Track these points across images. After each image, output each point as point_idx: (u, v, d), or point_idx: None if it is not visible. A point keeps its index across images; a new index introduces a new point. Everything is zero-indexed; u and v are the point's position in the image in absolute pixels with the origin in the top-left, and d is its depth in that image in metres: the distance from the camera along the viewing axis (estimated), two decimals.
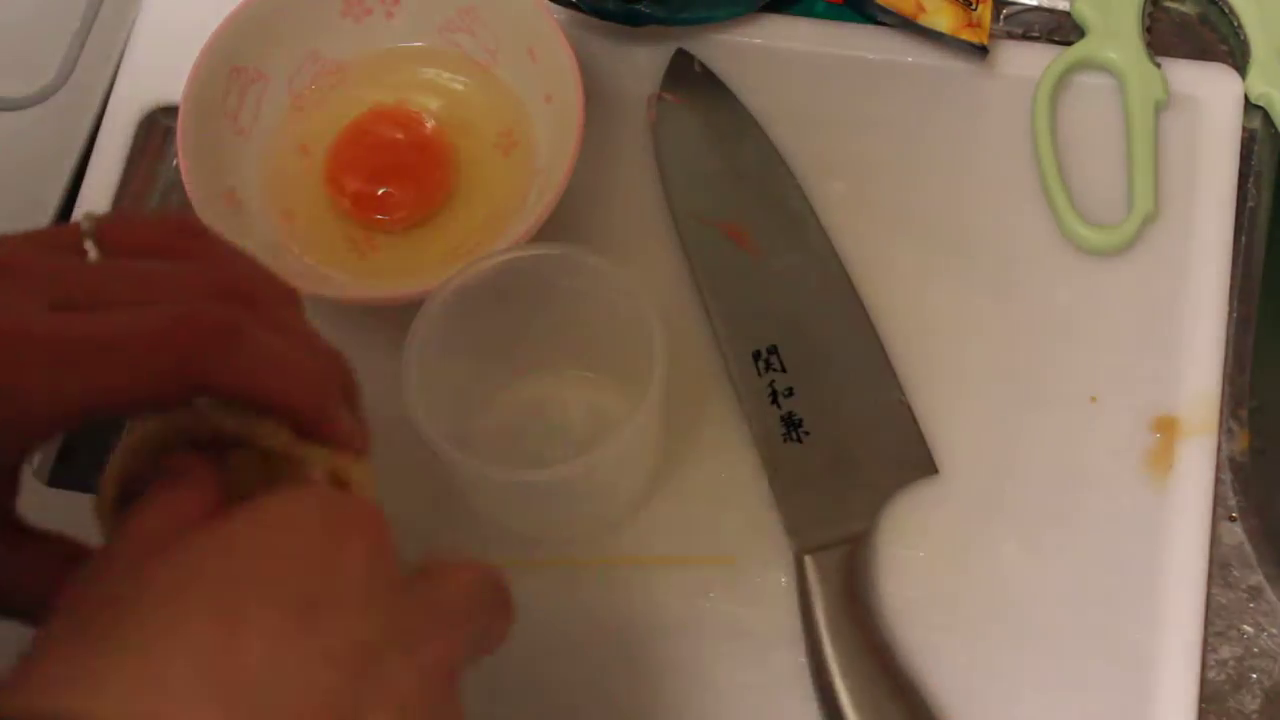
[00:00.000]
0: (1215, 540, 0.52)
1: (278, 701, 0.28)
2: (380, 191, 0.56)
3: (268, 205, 0.56)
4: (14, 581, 0.37)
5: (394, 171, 0.56)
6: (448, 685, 0.32)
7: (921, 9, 0.59)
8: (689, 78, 0.60)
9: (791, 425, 0.53)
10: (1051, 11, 0.61)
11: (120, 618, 0.29)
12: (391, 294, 0.52)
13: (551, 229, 0.52)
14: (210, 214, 0.52)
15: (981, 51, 0.59)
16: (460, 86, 0.58)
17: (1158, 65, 0.58)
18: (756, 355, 0.54)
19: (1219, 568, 0.52)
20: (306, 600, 0.29)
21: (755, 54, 0.60)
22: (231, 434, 0.35)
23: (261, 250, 0.49)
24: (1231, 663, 0.51)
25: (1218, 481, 0.53)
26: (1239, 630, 0.52)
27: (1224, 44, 0.61)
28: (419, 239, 0.56)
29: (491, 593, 0.34)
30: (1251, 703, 0.51)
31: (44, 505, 0.55)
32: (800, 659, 0.51)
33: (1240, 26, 0.60)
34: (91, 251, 0.35)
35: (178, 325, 0.33)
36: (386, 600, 0.31)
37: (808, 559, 0.51)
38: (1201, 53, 0.60)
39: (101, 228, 0.36)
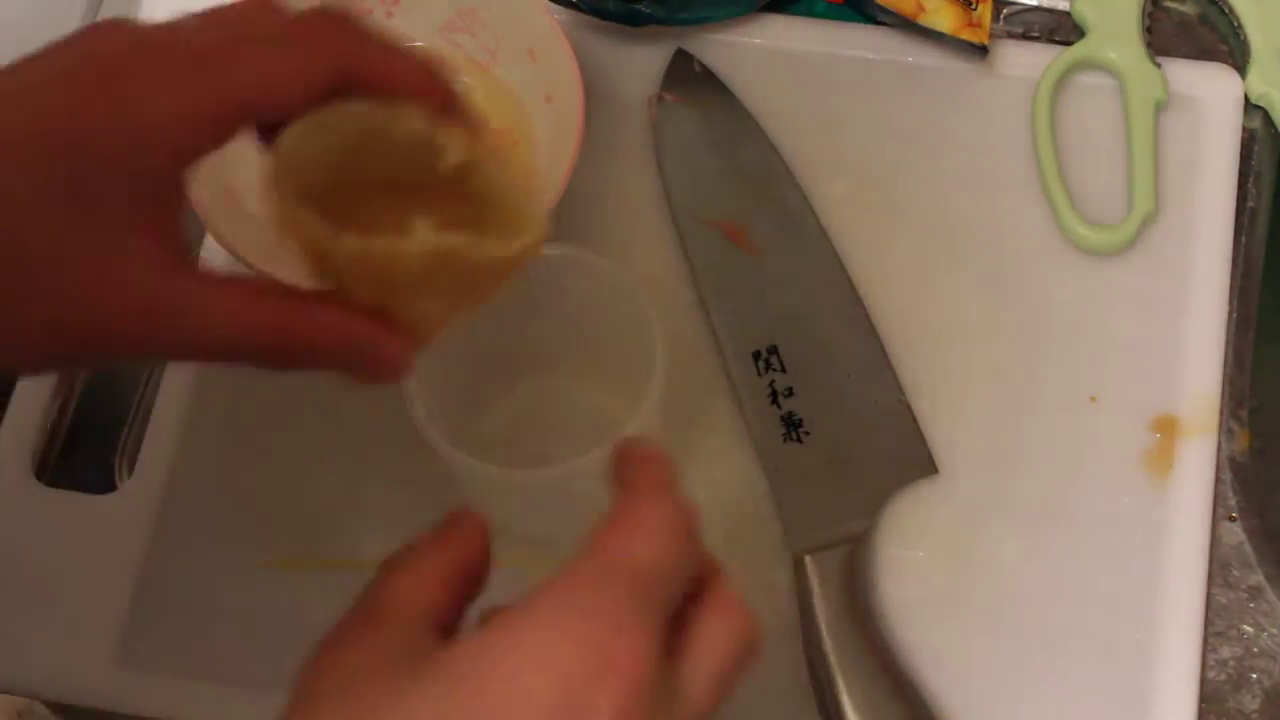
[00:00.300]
0: (1215, 540, 0.52)
1: None
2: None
3: None
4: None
5: None
6: None
7: (921, 9, 0.59)
8: (689, 78, 0.60)
9: (791, 425, 0.53)
10: (1051, 11, 0.61)
11: None
12: None
13: (552, 229, 0.52)
14: (210, 213, 0.52)
15: (981, 51, 0.59)
16: (460, 87, 0.58)
17: (1158, 65, 0.58)
18: (756, 355, 0.54)
19: (1219, 568, 0.52)
20: None
21: (755, 54, 0.60)
22: (379, 124, 0.37)
23: (261, 251, 0.50)
24: (1231, 663, 0.51)
25: (1218, 481, 0.53)
26: (1239, 630, 0.52)
27: (1224, 44, 0.61)
28: None
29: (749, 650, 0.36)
30: (1251, 703, 0.51)
31: (44, 505, 0.56)
32: (800, 659, 0.51)
33: (1240, 26, 0.60)
34: None
35: (324, 17, 0.37)
36: None
37: (808, 559, 0.51)
38: (1201, 53, 0.60)
39: None
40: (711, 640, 0.35)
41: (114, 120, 0.34)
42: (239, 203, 0.55)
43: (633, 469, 0.37)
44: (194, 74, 0.35)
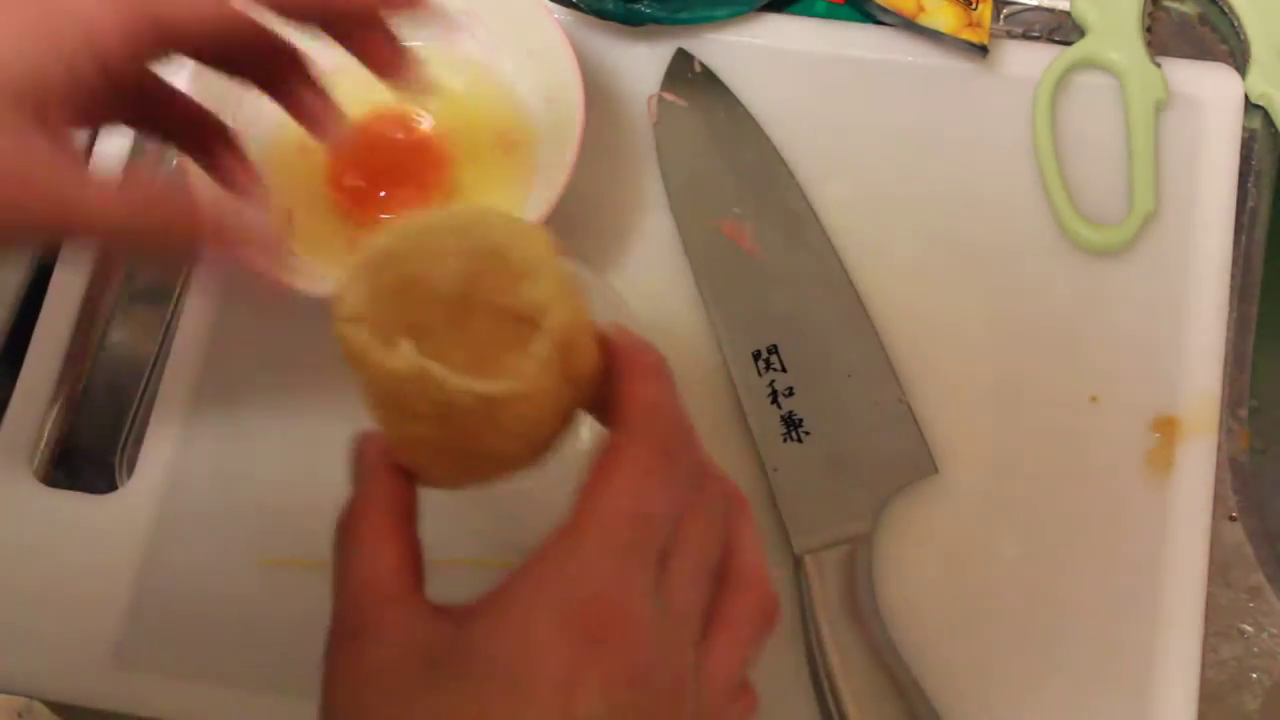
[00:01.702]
0: (1215, 540, 0.52)
1: None
2: (380, 192, 0.56)
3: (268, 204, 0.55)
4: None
5: (394, 171, 0.56)
6: None
7: (921, 9, 0.59)
8: (689, 78, 0.60)
9: (791, 425, 0.53)
10: (1051, 11, 0.61)
11: None
12: None
13: (552, 229, 0.52)
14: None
15: (981, 51, 0.59)
16: (460, 86, 0.58)
17: (1158, 65, 0.58)
18: (756, 355, 0.54)
19: (1219, 568, 0.52)
20: None
21: (755, 54, 0.60)
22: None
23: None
24: (1231, 662, 0.51)
25: (1218, 481, 0.53)
26: (1239, 630, 0.52)
27: (1224, 44, 0.61)
28: None
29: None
30: (1251, 702, 0.51)
31: (44, 505, 0.56)
32: (800, 659, 0.51)
33: (1240, 26, 0.60)
34: None
35: None
36: (626, 706, 0.33)
37: (808, 559, 0.51)
38: (1201, 53, 0.60)
39: None
40: (689, 541, 0.36)
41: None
42: None
43: (619, 391, 0.36)
44: None
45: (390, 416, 0.36)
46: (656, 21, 0.59)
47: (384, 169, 0.56)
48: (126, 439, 0.59)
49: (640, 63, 0.60)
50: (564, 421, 0.37)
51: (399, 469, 0.37)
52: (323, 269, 0.55)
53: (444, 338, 0.35)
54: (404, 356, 0.34)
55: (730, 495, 0.38)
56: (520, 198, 0.55)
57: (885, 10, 0.59)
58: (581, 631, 0.33)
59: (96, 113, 0.41)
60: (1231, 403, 0.55)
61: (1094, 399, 0.54)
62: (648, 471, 0.35)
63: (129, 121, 0.46)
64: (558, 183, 0.51)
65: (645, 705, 0.33)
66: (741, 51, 0.60)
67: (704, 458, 0.38)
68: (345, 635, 0.35)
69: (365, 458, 0.37)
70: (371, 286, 0.35)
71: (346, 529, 0.37)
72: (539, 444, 0.37)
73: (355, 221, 0.56)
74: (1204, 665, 0.51)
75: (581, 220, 0.57)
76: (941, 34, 0.59)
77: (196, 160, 0.47)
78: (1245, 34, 0.60)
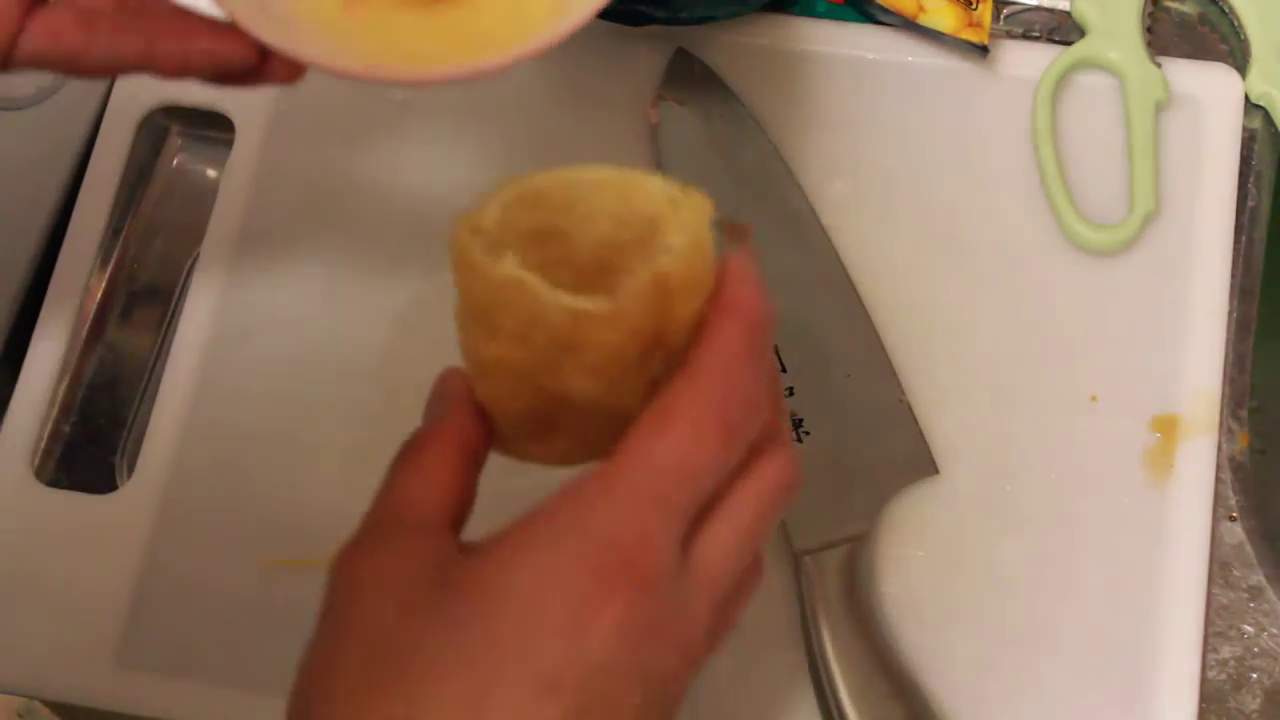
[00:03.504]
0: (1215, 540, 0.52)
1: None
2: None
3: None
4: None
5: None
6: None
7: (922, 9, 0.59)
8: (689, 78, 0.60)
9: (792, 425, 0.53)
10: (1051, 11, 0.61)
11: (396, 674, 0.32)
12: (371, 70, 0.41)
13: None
14: None
15: (982, 51, 0.59)
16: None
17: (1158, 65, 0.58)
18: None
19: (1219, 568, 0.52)
20: (549, 681, 0.32)
21: (755, 54, 0.60)
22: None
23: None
24: (1232, 663, 0.51)
25: (1218, 481, 0.53)
26: (1239, 630, 0.52)
27: (1224, 44, 0.61)
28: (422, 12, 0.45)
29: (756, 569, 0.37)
30: (1252, 703, 0.51)
31: (44, 505, 0.56)
32: (800, 659, 0.51)
33: (1240, 26, 0.60)
34: None
35: None
36: (634, 654, 0.33)
37: (808, 559, 0.51)
38: (1201, 53, 0.60)
39: None
40: (742, 511, 0.35)
41: None
42: None
43: (706, 327, 0.35)
44: None
45: (478, 333, 0.36)
46: (656, 21, 0.59)
47: None
48: (126, 439, 0.59)
49: (640, 63, 0.60)
50: (645, 388, 0.36)
51: (478, 410, 0.36)
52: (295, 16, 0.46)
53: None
54: (507, 264, 0.34)
55: (790, 484, 0.36)
56: None
57: (885, 10, 0.59)
58: (598, 574, 0.32)
59: None
60: (1231, 403, 0.55)
61: (1094, 399, 0.54)
62: (701, 439, 0.34)
63: None
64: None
65: (653, 659, 0.33)
66: (741, 51, 0.60)
67: (780, 428, 0.36)
68: (367, 541, 0.35)
69: (447, 392, 0.37)
70: (509, 216, 0.35)
71: (409, 450, 0.36)
72: (615, 403, 0.36)
73: None
74: (1204, 665, 0.51)
75: None
76: (941, 34, 0.59)
77: None
78: (1245, 34, 0.60)
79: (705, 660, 0.36)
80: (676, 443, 0.33)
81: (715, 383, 0.34)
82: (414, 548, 0.34)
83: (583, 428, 0.37)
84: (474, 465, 0.37)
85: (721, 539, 0.35)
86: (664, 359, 0.36)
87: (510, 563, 0.33)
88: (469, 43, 0.45)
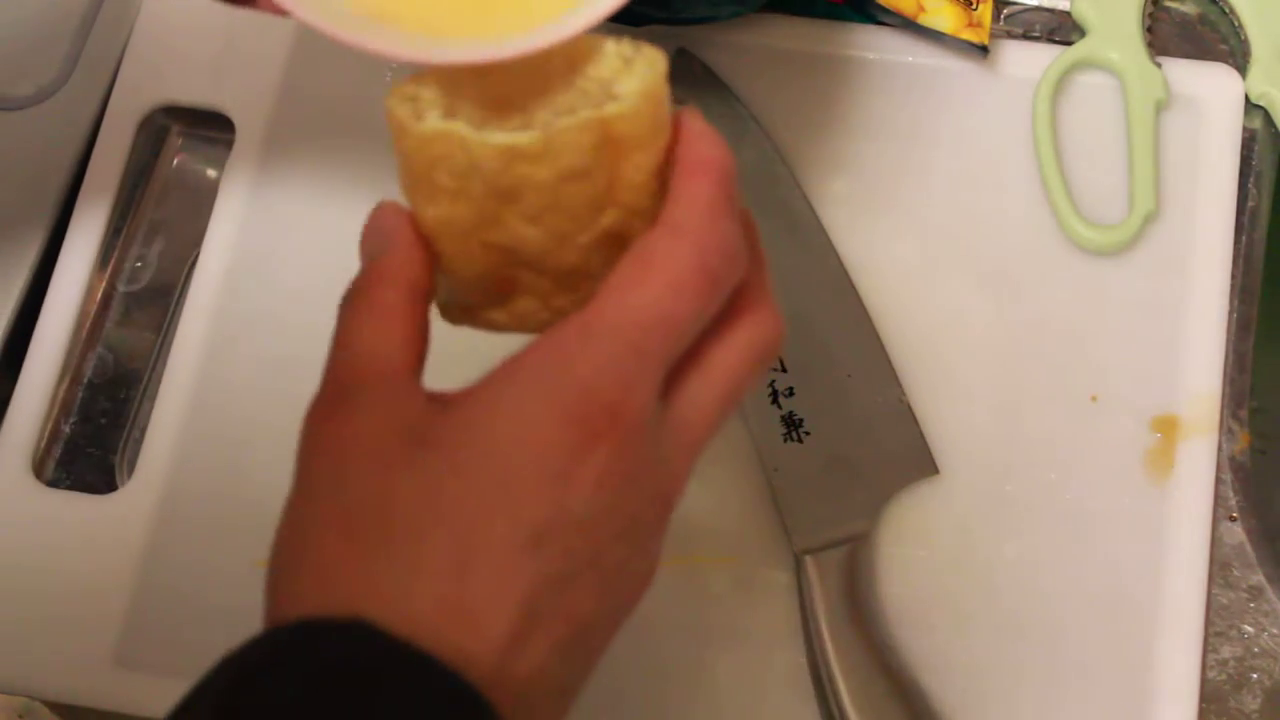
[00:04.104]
0: (1215, 540, 0.52)
1: (493, 619, 0.31)
2: None
3: None
4: None
5: None
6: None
7: (922, 9, 0.59)
8: (689, 78, 0.60)
9: (791, 425, 0.53)
10: (1051, 11, 0.61)
11: (375, 533, 0.32)
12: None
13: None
14: None
15: (982, 51, 0.59)
16: None
17: (1158, 65, 0.58)
18: None
19: (1219, 568, 0.52)
20: (534, 533, 0.31)
21: (755, 54, 0.60)
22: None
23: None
24: (1232, 663, 0.51)
25: (1218, 481, 0.53)
26: (1239, 630, 0.52)
27: (1224, 44, 0.61)
28: None
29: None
30: (1252, 703, 0.51)
31: (44, 505, 0.56)
32: (800, 659, 0.51)
33: (1240, 26, 0.60)
34: None
35: None
36: (615, 503, 0.32)
37: (808, 559, 0.51)
38: (1201, 53, 0.60)
39: None
40: (726, 359, 0.35)
41: None
42: None
43: (677, 183, 0.35)
44: None
45: (419, 199, 0.35)
46: (657, 21, 0.59)
47: None
48: (126, 439, 0.59)
49: None
50: (605, 247, 0.35)
51: (420, 240, 0.35)
52: None
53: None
54: (431, 119, 0.34)
55: (773, 338, 0.36)
56: None
57: (885, 10, 0.59)
58: (580, 424, 0.32)
59: None
60: (1231, 403, 0.55)
61: (1094, 399, 0.54)
62: (680, 289, 0.33)
63: None
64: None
65: (633, 509, 0.33)
66: (741, 51, 0.60)
67: (761, 280, 0.35)
68: (333, 402, 0.34)
69: (384, 226, 0.36)
70: (457, 87, 0.35)
71: (356, 296, 0.35)
72: (572, 260, 0.35)
73: None
74: (1204, 665, 0.51)
75: None
76: (942, 34, 0.59)
77: None
78: (1245, 34, 0.60)
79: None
80: (655, 292, 0.33)
81: (692, 233, 0.33)
82: (382, 403, 0.33)
83: (542, 287, 0.36)
84: (424, 302, 0.35)
85: (703, 393, 0.34)
86: (621, 217, 0.35)
87: (489, 415, 0.32)
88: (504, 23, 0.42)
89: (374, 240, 0.36)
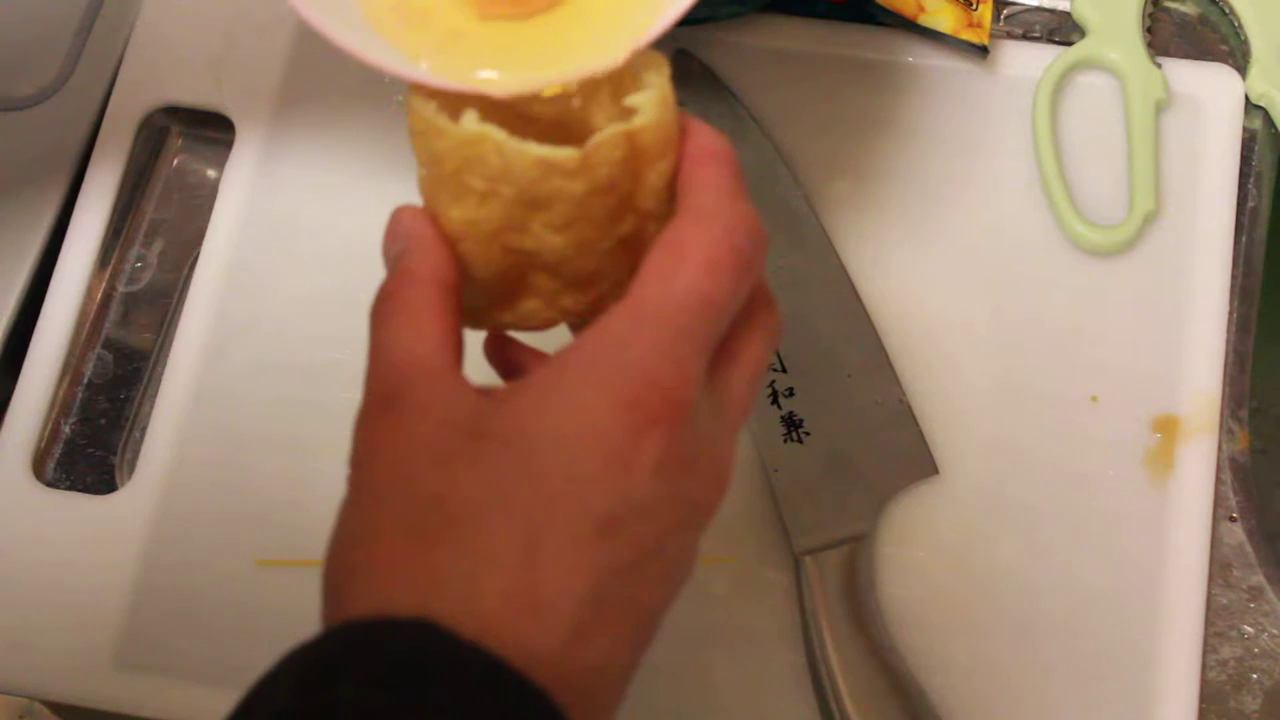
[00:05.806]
0: (1215, 540, 0.52)
1: (559, 612, 0.31)
2: None
3: None
4: None
5: None
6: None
7: (922, 9, 0.59)
8: (689, 78, 0.60)
9: (791, 425, 0.53)
10: (1051, 11, 0.61)
11: (440, 529, 0.32)
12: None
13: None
14: None
15: (982, 51, 0.59)
16: None
17: (1158, 65, 0.58)
18: None
19: (1219, 568, 0.52)
20: (602, 520, 0.31)
21: (755, 54, 0.60)
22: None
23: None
24: (1232, 663, 0.51)
25: (1218, 481, 0.53)
26: (1239, 630, 0.52)
27: (1224, 44, 0.61)
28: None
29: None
30: (1252, 703, 0.51)
31: (44, 505, 0.56)
32: (800, 659, 0.51)
33: (1240, 26, 0.60)
34: None
35: None
36: (674, 486, 0.33)
37: (808, 559, 0.51)
38: (1201, 53, 0.60)
39: None
40: (752, 348, 0.35)
41: None
42: None
43: (691, 174, 0.35)
44: None
45: (444, 199, 0.35)
46: None
47: None
48: (126, 439, 0.59)
49: None
50: (615, 250, 0.36)
51: (445, 240, 0.36)
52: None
53: None
54: (469, 120, 0.34)
55: (779, 328, 0.37)
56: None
57: (885, 10, 0.59)
58: (638, 410, 0.32)
59: None
60: (1231, 403, 0.55)
61: (1094, 399, 0.54)
62: (715, 266, 0.33)
63: None
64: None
65: (693, 492, 0.33)
66: (741, 51, 0.60)
67: (763, 280, 0.36)
68: (381, 406, 0.34)
69: (406, 231, 0.36)
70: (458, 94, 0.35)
71: (387, 300, 0.35)
72: (585, 264, 0.36)
73: None
74: (1204, 665, 0.51)
75: None
76: (942, 34, 0.59)
77: None
78: (1245, 34, 0.60)
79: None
80: (693, 274, 0.33)
81: (717, 216, 0.34)
82: (433, 402, 0.33)
83: (552, 289, 0.37)
84: (456, 298, 0.36)
85: (741, 374, 0.35)
86: (637, 222, 0.36)
87: (546, 404, 0.32)
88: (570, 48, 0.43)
89: (396, 244, 0.36)
